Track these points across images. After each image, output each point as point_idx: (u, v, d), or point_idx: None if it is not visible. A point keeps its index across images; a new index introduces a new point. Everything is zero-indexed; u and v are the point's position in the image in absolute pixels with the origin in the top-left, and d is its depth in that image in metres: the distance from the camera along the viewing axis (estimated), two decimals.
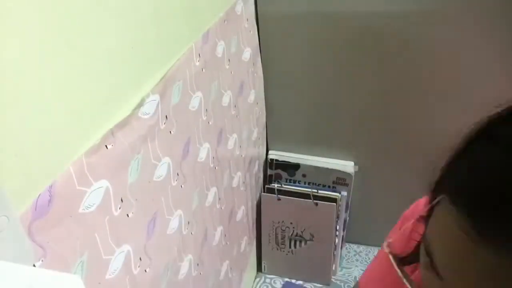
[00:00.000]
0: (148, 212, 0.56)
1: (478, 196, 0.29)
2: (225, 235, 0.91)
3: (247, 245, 1.11)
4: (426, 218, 0.36)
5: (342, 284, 1.19)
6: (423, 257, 0.36)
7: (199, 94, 0.68)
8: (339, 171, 1.12)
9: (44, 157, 0.37)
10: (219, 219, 0.86)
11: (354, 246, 1.29)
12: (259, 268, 1.24)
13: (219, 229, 0.86)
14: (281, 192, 1.12)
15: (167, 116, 0.58)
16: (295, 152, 1.15)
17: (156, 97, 0.54)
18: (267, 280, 1.22)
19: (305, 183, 1.15)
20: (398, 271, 0.40)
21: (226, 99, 0.82)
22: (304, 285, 1.19)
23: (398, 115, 1.02)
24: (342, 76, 1.01)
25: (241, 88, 0.91)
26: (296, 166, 1.14)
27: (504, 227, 0.28)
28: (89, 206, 0.43)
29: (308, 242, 1.16)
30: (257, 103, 1.04)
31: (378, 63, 0.96)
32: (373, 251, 1.27)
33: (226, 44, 0.79)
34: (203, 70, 0.69)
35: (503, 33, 0.87)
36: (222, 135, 0.82)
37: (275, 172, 1.17)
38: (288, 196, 1.12)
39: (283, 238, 1.18)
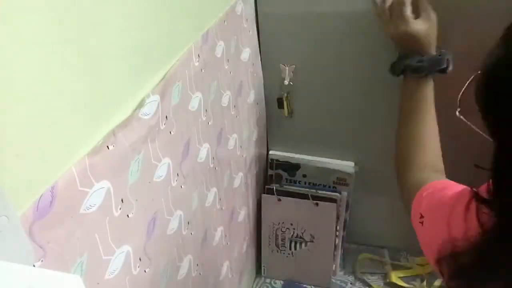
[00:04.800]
0: (148, 212, 0.56)
1: None
2: (225, 236, 0.91)
3: (247, 246, 1.11)
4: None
5: (343, 284, 1.19)
6: None
7: (198, 94, 0.68)
8: (340, 171, 1.12)
9: (44, 158, 0.37)
10: (219, 219, 0.86)
11: (354, 247, 1.29)
12: (258, 271, 1.24)
13: (219, 229, 0.86)
14: (281, 192, 1.12)
15: (167, 117, 0.58)
16: (295, 152, 1.15)
17: (157, 97, 0.54)
18: (267, 281, 1.22)
19: (305, 183, 1.15)
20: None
21: (225, 100, 0.82)
22: (304, 286, 1.19)
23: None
24: (342, 76, 1.01)
25: (240, 88, 0.91)
26: (297, 166, 1.14)
27: None
28: (90, 207, 0.43)
29: (308, 243, 1.16)
30: (257, 103, 1.04)
31: (379, 63, 0.96)
32: (373, 251, 1.27)
33: (225, 45, 0.79)
34: (203, 70, 0.69)
35: None
36: (222, 136, 0.82)
37: (276, 172, 1.17)
38: (288, 196, 1.12)
39: (283, 239, 1.18)
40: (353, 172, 1.11)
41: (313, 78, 1.02)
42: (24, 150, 0.35)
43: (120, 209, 0.48)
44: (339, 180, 1.13)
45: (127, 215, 0.50)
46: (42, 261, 0.37)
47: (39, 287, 0.28)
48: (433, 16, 0.79)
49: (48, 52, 0.37)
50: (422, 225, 0.60)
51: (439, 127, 0.78)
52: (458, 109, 0.54)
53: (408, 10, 0.78)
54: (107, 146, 0.45)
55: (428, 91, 0.79)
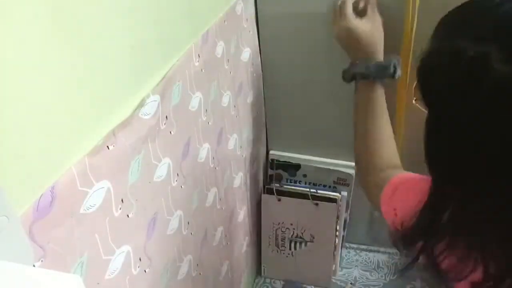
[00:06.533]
0: (148, 212, 0.56)
1: None
2: (225, 236, 0.91)
3: (247, 246, 1.11)
4: None
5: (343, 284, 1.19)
6: None
7: (198, 94, 0.68)
8: (340, 171, 1.12)
9: (44, 158, 0.37)
10: (219, 219, 0.86)
11: (354, 246, 1.29)
12: (258, 271, 1.24)
13: (219, 229, 0.86)
14: (281, 192, 1.12)
15: (167, 117, 0.58)
16: (295, 152, 1.15)
17: (157, 97, 0.54)
18: (267, 281, 1.22)
19: (305, 183, 1.15)
20: None
21: (225, 99, 0.82)
22: (304, 286, 1.19)
23: (398, 116, 1.02)
24: None
25: (240, 88, 0.91)
26: (297, 166, 1.14)
27: None
28: (90, 207, 0.43)
29: (308, 243, 1.16)
30: (257, 103, 1.04)
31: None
32: (373, 251, 1.27)
33: (225, 44, 0.79)
34: (203, 70, 0.69)
35: None
36: (222, 135, 0.82)
37: (276, 172, 1.17)
38: (288, 196, 1.12)
39: (283, 239, 1.18)
40: (353, 172, 1.11)
41: (313, 77, 1.02)
42: (24, 150, 0.35)
43: (120, 209, 0.48)
44: (339, 180, 1.13)
45: (127, 215, 0.50)
46: (42, 261, 0.37)
47: (39, 287, 0.28)
48: (378, 19, 0.81)
49: (48, 52, 0.37)
50: (397, 216, 0.64)
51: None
52: (414, 98, 0.59)
53: (350, 8, 0.81)
54: (107, 146, 0.45)
55: (378, 95, 0.81)
